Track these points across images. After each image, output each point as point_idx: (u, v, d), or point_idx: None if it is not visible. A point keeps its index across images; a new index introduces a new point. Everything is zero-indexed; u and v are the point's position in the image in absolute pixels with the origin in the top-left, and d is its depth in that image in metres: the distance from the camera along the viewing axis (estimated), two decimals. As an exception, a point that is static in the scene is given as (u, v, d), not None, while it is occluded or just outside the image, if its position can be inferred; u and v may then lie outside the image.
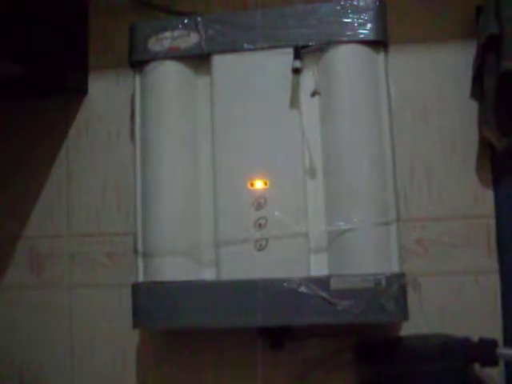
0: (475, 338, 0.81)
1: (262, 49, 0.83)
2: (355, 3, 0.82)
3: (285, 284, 0.78)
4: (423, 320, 0.86)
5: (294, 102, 0.82)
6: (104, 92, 0.99)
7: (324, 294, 0.77)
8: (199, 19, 0.85)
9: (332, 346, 0.87)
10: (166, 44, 0.85)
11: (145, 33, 0.86)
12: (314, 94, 0.82)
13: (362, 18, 0.82)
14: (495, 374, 0.84)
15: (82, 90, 0.99)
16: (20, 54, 0.86)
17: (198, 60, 0.86)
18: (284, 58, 0.82)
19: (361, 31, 0.81)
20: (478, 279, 0.87)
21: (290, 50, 0.82)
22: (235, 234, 0.81)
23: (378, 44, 0.83)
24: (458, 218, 0.88)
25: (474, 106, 0.88)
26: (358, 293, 0.77)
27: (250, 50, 0.83)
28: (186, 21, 0.86)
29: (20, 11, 0.86)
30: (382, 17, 0.83)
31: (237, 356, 0.90)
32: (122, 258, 0.95)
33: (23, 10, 0.87)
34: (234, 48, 0.84)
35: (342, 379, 0.87)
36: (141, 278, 0.83)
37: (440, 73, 0.91)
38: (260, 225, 0.80)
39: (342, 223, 0.79)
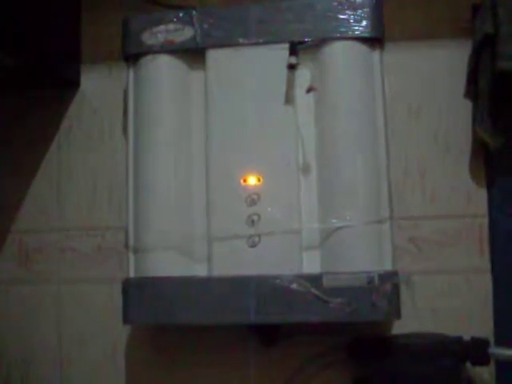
0: (467, 337, 0.81)
1: (258, 44, 0.83)
2: (352, 0, 0.82)
3: (277, 281, 0.77)
4: (415, 318, 0.86)
5: (289, 98, 0.82)
6: (96, 85, 0.98)
7: (316, 292, 0.77)
8: (194, 13, 0.84)
9: (324, 343, 0.86)
10: (161, 37, 0.85)
11: (139, 26, 0.86)
12: (309, 90, 0.82)
13: (358, 15, 0.81)
14: (486, 373, 0.84)
15: (74, 83, 0.98)
16: (12, 47, 0.85)
17: (193, 54, 0.85)
18: (279, 54, 0.82)
19: (357, 28, 0.81)
20: (470, 278, 0.87)
21: (286, 46, 0.81)
22: (228, 230, 0.80)
23: (374, 41, 0.82)
24: (451, 217, 0.88)
25: (468, 104, 0.88)
26: (350, 290, 0.76)
27: (245, 44, 0.83)
28: (180, 14, 0.85)
29: (12, 4, 0.85)
30: (377, 14, 0.82)
31: (228, 353, 0.90)
32: (113, 252, 0.94)
33: (15, 3, 0.86)
34: (228, 43, 0.83)
35: (334, 377, 0.87)
36: (132, 274, 0.83)
37: (435, 71, 0.91)
38: (253, 221, 0.80)
39: (335, 221, 0.79)
